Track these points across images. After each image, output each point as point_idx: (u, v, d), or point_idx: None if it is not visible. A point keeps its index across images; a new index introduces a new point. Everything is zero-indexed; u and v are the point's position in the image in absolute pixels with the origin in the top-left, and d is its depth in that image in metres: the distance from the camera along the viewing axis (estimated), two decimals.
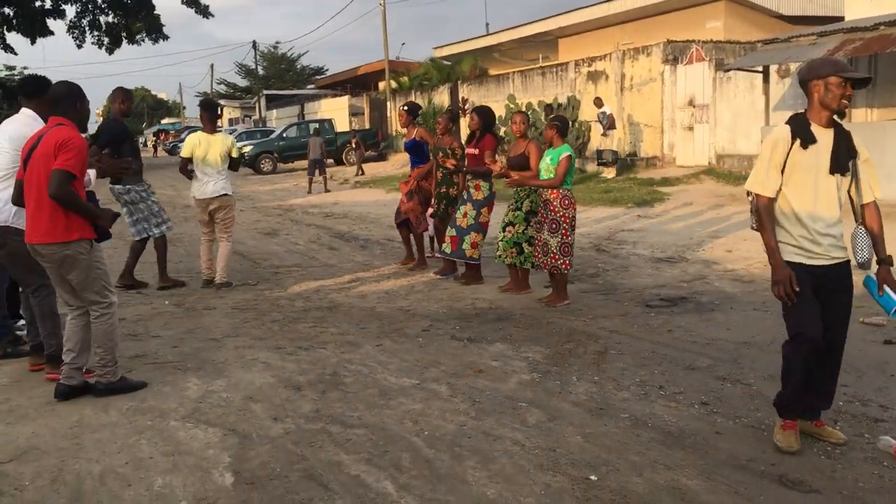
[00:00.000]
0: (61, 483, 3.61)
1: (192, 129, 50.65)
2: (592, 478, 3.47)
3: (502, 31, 32.14)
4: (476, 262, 7.70)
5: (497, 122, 12.85)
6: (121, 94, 7.68)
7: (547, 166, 6.77)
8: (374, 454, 3.79)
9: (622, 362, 5.14)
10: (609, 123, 17.86)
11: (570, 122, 12.15)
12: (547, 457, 3.70)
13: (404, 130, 9.09)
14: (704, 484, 3.39)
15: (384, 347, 5.65)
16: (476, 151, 7.61)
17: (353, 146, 25.77)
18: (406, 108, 8.63)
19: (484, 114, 7.79)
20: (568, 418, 4.19)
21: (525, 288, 7.29)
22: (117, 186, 7.73)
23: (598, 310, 6.58)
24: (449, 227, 7.77)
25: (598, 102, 18.25)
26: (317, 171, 20.22)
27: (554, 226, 6.68)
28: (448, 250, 7.69)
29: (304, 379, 4.96)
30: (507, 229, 7.18)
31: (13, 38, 34.37)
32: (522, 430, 4.04)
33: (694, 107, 17.33)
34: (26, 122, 5.09)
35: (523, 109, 16.33)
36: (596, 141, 18.65)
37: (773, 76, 14.96)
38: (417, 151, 8.43)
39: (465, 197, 7.67)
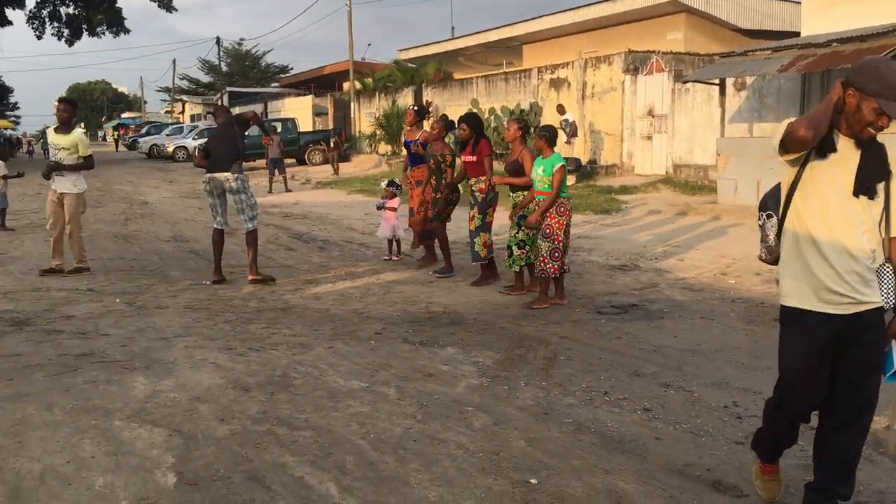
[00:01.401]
0: (0, 482, 3.57)
1: (153, 124, 49.26)
2: (532, 481, 3.53)
3: (468, 35, 32.37)
4: (485, 261, 7.91)
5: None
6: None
7: (540, 177, 6.95)
8: (319, 456, 3.81)
9: (570, 368, 5.23)
10: (572, 131, 18.05)
11: (532, 129, 12.22)
12: (490, 460, 3.76)
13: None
14: (641, 488, 3.48)
15: (336, 350, 5.67)
16: (474, 158, 7.82)
17: (333, 145, 25.61)
18: (416, 108, 9.04)
19: (472, 121, 8.01)
20: (513, 423, 4.25)
21: (521, 289, 7.43)
22: (228, 174, 7.82)
23: (550, 315, 6.67)
24: None
25: (561, 110, 18.43)
26: (276, 171, 20.10)
27: (548, 230, 6.86)
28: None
29: (254, 380, 4.96)
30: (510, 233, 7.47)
31: None
32: (467, 433, 4.09)
33: (653, 116, 17.61)
34: None
35: (515, 115, 16.56)
36: (558, 148, 18.83)
37: (730, 89, 15.28)
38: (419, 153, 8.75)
39: (472, 201, 7.87)
